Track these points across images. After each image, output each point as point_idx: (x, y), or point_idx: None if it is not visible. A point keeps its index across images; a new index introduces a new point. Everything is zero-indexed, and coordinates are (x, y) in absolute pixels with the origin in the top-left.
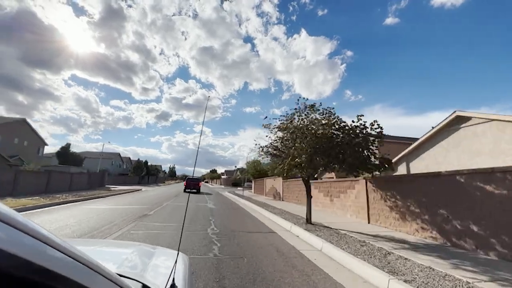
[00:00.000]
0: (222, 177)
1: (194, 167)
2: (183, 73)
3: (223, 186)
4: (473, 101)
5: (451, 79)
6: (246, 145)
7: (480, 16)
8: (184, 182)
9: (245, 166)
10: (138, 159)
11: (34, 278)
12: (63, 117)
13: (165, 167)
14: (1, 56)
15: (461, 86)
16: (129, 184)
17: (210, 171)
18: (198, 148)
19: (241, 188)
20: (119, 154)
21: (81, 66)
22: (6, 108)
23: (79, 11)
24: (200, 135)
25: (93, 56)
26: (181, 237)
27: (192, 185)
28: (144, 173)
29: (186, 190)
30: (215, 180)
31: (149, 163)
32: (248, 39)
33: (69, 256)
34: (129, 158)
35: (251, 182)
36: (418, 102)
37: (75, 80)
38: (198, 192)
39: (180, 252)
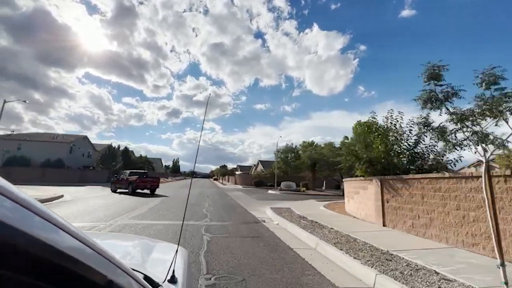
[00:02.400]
0: (237, 173)
1: (195, 163)
2: (194, 70)
3: (240, 187)
4: None
5: (467, 73)
6: (256, 142)
7: (501, 7)
8: (134, 178)
9: (272, 159)
10: (111, 144)
11: (47, 258)
12: (77, 114)
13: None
14: (19, 56)
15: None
16: (83, 183)
17: (220, 166)
18: (199, 142)
19: (275, 191)
20: (85, 138)
21: (94, 64)
22: (24, 107)
23: (92, 9)
24: (201, 131)
25: (106, 54)
26: (180, 233)
27: (149, 183)
28: (118, 166)
29: (137, 191)
30: (227, 178)
31: (136, 152)
32: (259, 35)
33: (83, 243)
34: (111, 145)
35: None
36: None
37: (89, 78)
38: (152, 193)
39: (179, 246)
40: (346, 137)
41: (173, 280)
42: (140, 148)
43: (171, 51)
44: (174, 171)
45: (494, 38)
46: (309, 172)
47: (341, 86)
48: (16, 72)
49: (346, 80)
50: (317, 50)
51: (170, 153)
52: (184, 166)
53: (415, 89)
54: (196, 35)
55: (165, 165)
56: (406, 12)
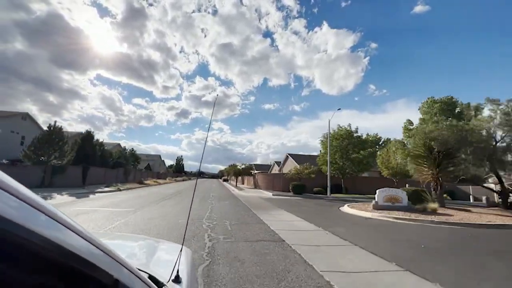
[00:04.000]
0: (256, 172)
1: (201, 162)
2: (202, 70)
3: (269, 194)
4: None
5: (484, 70)
6: (264, 142)
7: None
8: None
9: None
10: (54, 123)
11: (54, 257)
12: (89, 115)
13: (184, 165)
14: (34, 59)
15: (495, 77)
16: None
17: (230, 166)
18: (206, 142)
19: (369, 212)
20: (26, 117)
21: (105, 66)
22: (39, 109)
23: (103, 11)
24: (207, 132)
25: (116, 56)
26: (185, 232)
27: None
28: (67, 161)
29: None
30: (243, 178)
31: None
32: (267, 34)
33: (90, 243)
34: (53, 125)
35: None
36: (447, 95)
37: (100, 79)
38: None
39: (183, 246)
40: (410, 121)
41: (177, 280)
42: (150, 148)
43: (180, 52)
44: (178, 170)
45: None
46: (426, 167)
47: (351, 85)
48: (31, 75)
49: (357, 78)
50: (327, 48)
51: (180, 154)
52: (193, 166)
53: (426, 87)
54: (205, 36)
55: (170, 165)
56: (419, 8)
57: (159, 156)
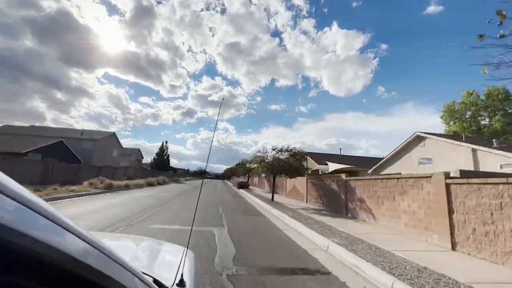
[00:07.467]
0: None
1: (207, 163)
2: (209, 70)
3: None
4: None
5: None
6: (269, 143)
7: None
8: None
9: None
10: None
11: (54, 262)
12: (96, 113)
13: (188, 165)
14: (43, 57)
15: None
16: None
17: (237, 164)
18: (212, 143)
19: None
20: None
21: (113, 64)
22: (47, 106)
23: (112, 9)
24: (214, 132)
25: (124, 55)
26: (190, 236)
27: None
28: None
29: None
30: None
31: None
32: (276, 34)
33: (92, 246)
34: None
35: None
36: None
37: (108, 78)
38: None
39: (187, 249)
40: None
41: (181, 283)
42: (155, 147)
43: (188, 51)
44: (159, 166)
45: None
46: None
47: (359, 87)
48: (40, 73)
49: (366, 80)
50: (336, 49)
51: (185, 153)
52: (197, 165)
53: (436, 88)
54: (213, 35)
55: (152, 160)
56: (432, 8)
57: (114, 136)
